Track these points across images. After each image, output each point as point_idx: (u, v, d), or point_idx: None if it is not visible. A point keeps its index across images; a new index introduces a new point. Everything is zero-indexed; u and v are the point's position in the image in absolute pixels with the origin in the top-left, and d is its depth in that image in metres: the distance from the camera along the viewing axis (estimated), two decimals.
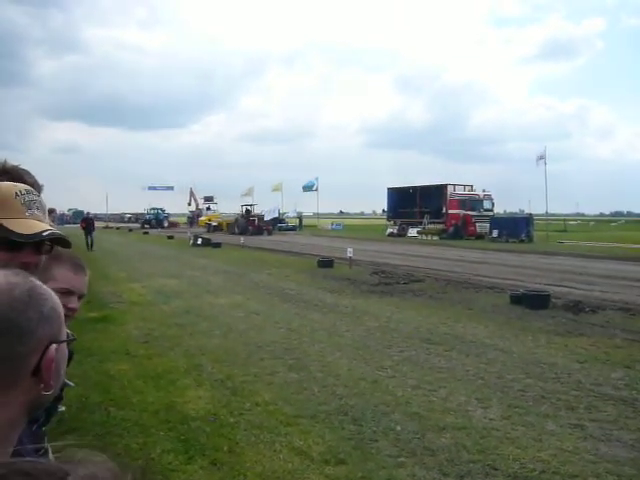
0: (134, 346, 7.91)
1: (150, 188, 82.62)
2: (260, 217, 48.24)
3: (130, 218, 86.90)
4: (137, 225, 65.18)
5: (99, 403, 5.45)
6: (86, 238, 26.26)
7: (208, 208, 67.61)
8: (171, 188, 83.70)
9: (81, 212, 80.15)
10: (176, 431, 4.86)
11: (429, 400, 5.72)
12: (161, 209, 68.67)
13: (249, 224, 45.71)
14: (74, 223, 62.43)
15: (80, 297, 1.79)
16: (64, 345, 0.94)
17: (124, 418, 5.12)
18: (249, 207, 50.45)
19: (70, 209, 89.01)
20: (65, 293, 1.65)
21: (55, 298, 0.92)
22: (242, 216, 48.43)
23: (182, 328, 9.17)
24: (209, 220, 55.92)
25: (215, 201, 68.99)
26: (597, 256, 24.39)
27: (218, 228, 50.86)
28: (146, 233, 47.59)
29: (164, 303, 11.73)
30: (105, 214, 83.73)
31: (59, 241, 1.41)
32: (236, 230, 44.37)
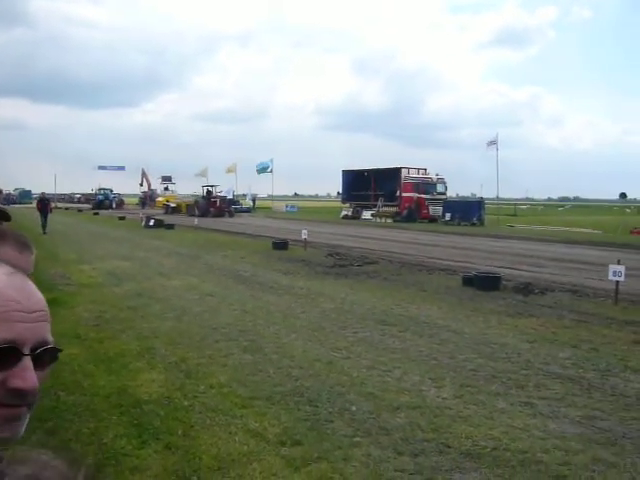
0: (84, 329, 7.70)
1: (100, 168, 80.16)
2: (222, 198, 46.26)
3: (80, 198, 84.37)
4: (87, 206, 63.13)
5: (48, 388, 5.27)
6: (42, 220, 24.38)
7: (166, 188, 64.38)
8: (122, 168, 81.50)
9: (28, 192, 77.31)
10: (129, 415, 4.77)
11: (384, 380, 5.79)
12: (110, 189, 66.68)
13: (210, 205, 43.49)
14: (20, 203, 60.25)
15: None
16: None
17: (75, 403, 4.99)
18: (210, 188, 47.64)
19: (17, 189, 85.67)
20: None
21: None
22: (203, 197, 46.35)
23: (134, 311, 8.99)
24: (167, 201, 53.72)
25: (173, 181, 65.73)
26: (546, 239, 25.10)
27: (177, 209, 48.93)
28: (96, 214, 46.34)
29: (115, 285, 11.47)
30: (53, 194, 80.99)
31: None
32: (196, 212, 41.61)
